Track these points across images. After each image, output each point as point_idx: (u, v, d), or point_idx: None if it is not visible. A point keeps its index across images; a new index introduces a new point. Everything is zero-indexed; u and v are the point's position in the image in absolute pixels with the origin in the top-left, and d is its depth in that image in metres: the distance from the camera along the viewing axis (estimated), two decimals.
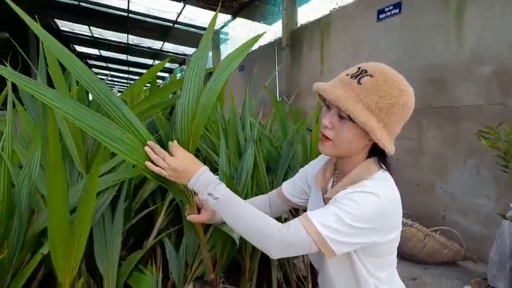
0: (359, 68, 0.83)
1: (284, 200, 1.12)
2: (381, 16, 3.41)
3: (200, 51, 0.97)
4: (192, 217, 0.97)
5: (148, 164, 0.88)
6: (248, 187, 1.38)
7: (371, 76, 0.80)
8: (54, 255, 0.94)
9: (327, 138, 0.86)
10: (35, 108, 1.39)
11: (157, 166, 0.88)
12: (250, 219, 0.84)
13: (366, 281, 0.87)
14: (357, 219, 0.77)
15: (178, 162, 0.87)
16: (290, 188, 1.12)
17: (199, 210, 1.04)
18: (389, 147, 0.82)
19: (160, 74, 15.90)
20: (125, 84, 20.87)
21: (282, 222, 0.84)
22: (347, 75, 0.84)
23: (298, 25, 5.36)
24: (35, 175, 1.09)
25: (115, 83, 22.92)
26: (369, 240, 0.80)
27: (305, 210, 1.61)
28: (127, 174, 1.28)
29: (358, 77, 0.81)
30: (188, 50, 12.76)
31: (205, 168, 0.90)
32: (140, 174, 1.43)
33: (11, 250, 0.98)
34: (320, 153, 1.57)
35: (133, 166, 1.38)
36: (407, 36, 3.12)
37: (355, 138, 0.83)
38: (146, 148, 0.89)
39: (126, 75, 18.40)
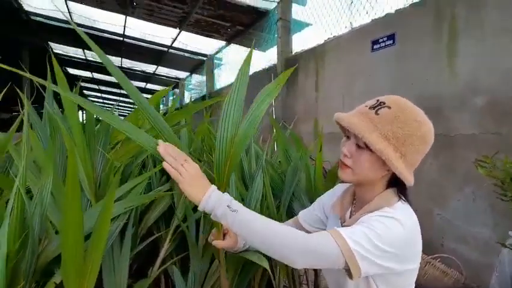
0: (378, 100, 0.87)
1: (301, 229, 1.12)
2: (375, 47, 3.53)
3: (238, 83, 0.99)
4: (217, 242, 0.94)
5: (166, 165, 0.83)
6: None
7: (389, 108, 0.84)
8: (67, 282, 0.93)
9: (346, 166, 0.89)
10: (44, 133, 1.40)
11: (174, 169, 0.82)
12: (274, 229, 0.80)
13: None
14: (384, 241, 0.77)
15: (197, 171, 0.84)
16: (307, 217, 1.13)
17: (224, 236, 1.03)
18: (408, 177, 0.84)
19: (148, 96, 16.00)
20: (116, 107, 20.85)
21: None
22: (366, 106, 0.88)
23: (293, 53, 5.50)
24: (47, 203, 1.09)
25: (105, 105, 22.87)
26: (386, 265, 0.79)
27: None
28: (138, 201, 1.28)
29: (376, 108, 0.85)
30: (181, 74, 12.89)
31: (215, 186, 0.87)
32: (145, 202, 1.44)
33: (24, 280, 0.96)
34: (323, 182, 1.61)
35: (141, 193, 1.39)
36: (401, 66, 3.23)
37: (373, 168, 0.85)
38: (161, 149, 0.84)
39: (118, 98, 18.41)
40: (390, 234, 0.78)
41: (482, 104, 2.51)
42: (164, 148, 0.84)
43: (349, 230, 0.80)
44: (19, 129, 1.37)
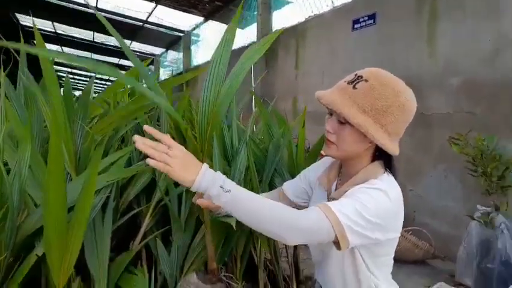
0: (356, 75, 0.88)
1: (287, 201, 1.14)
2: (356, 26, 3.54)
3: (223, 47, 0.98)
4: (202, 201, 0.92)
5: (151, 161, 0.74)
6: None
7: (366, 81, 0.85)
8: (49, 255, 0.91)
9: (331, 142, 0.90)
10: (20, 104, 1.34)
11: (160, 161, 0.74)
12: (267, 208, 0.79)
13: (367, 278, 0.90)
14: (371, 213, 0.79)
15: (183, 154, 0.78)
16: (291, 189, 1.14)
17: None
18: (391, 148, 0.86)
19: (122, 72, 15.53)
20: (86, 83, 20.03)
21: None
22: (345, 81, 0.88)
23: (273, 30, 5.44)
24: (25, 175, 1.06)
25: (77, 81, 21.98)
26: (374, 236, 0.81)
27: None
28: (120, 175, 1.27)
29: (354, 83, 0.86)
30: (157, 50, 12.55)
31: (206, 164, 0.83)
32: (126, 177, 1.42)
33: (3, 252, 0.94)
34: (304, 157, 1.63)
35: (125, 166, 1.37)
36: (382, 46, 3.26)
37: (356, 141, 0.87)
38: (139, 144, 0.75)
39: (88, 73, 17.75)
40: (377, 205, 0.80)
41: (458, 84, 2.59)
42: (142, 142, 0.76)
43: (338, 204, 0.80)
44: None
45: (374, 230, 0.81)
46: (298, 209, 0.83)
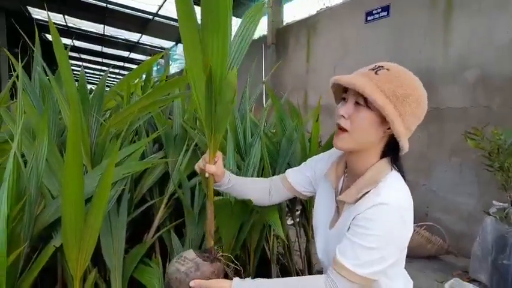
0: (376, 65, 0.88)
1: (289, 188, 1.13)
2: (369, 18, 3.49)
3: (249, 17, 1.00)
4: (209, 166, 0.94)
5: None
6: None
7: (388, 70, 0.85)
8: (67, 247, 0.92)
9: (342, 130, 0.88)
10: (35, 96, 1.35)
11: None
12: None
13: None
14: (384, 245, 0.82)
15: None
16: (296, 177, 1.13)
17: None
18: (404, 140, 0.85)
19: (130, 65, 15.61)
20: (98, 76, 20.17)
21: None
22: (365, 68, 0.88)
23: (284, 23, 5.40)
24: (42, 167, 1.06)
25: (88, 74, 22.17)
26: (394, 259, 0.85)
27: (303, 202, 1.62)
28: (135, 168, 1.27)
29: (375, 70, 0.86)
30: (166, 44, 12.53)
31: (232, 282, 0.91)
32: (140, 170, 1.43)
33: (22, 243, 0.95)
34: (317, 151, 1.62)
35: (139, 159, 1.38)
36: (396, 38, 3.21)
37: (371, 127, 0.85)
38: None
39: (99, 67, 17.85)
40: (387, 233, 0.82)
41: (474, 77, 2.54)
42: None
43: (350, 254, 0.83)
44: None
45: (391, 255, 0.84)
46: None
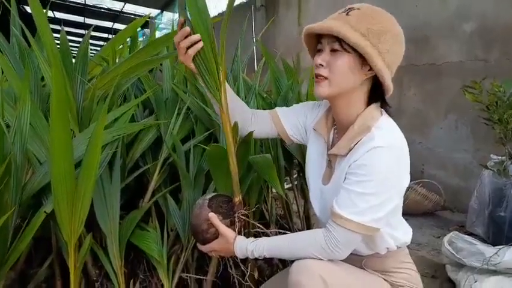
0: (347, 7, 0.85)
1: (277, 122, 1.08)
2: None
3: None
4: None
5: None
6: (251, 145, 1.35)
7: (359, 9, 0.83)
8: (59, 212, 0.89)
9: (322, 78, 0.85)
10: (15, 60, 1.27)
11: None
12: (296, 249, 0.89)
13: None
14: (382, 190, 0.80)
15: (220, 246, 0.96)
16: (286, 116, 1.09)
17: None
18: (388, 78, 0.82)
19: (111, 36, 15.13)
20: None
21: None
22: (336, 13, 0.87)
23: None
24: (27, 131, 1.01)
25: (72, 48, 21.50)
26: (395, 204, 0.83)
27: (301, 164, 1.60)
28: (125, 130, 1.22)
29: (346, 11, 0.84)
30: (151, 12, 12.08)
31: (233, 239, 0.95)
32: (132, 133, 1.38)
33: (9, 208, 0.91)
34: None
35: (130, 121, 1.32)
36: None
37: (351, 71, 0.83)
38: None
39: (82, 39, 17.31)
40: (384, 177, 0.80)
41: (471, 30, 2.46)
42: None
43: (348, 203, 0.81)
44: None
45: (390, 200, 0.82)
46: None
